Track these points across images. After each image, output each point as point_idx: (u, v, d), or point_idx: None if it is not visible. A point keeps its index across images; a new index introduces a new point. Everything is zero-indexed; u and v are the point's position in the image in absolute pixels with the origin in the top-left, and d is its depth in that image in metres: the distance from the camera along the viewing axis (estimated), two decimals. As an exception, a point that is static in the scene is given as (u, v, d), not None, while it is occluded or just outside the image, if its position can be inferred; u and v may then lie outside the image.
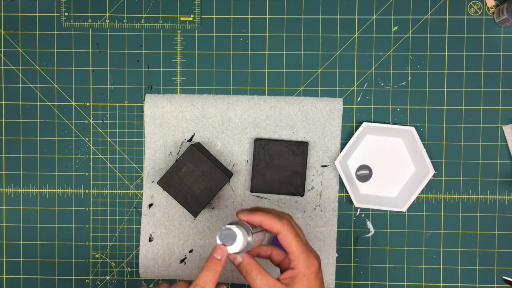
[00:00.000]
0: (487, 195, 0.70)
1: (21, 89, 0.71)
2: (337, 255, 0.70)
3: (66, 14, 0.70)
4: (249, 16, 0.70)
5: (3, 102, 0.71)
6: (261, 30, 0.70)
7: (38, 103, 0.71)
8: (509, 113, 0.70)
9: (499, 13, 0.67)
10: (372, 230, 0.70)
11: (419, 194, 0.70)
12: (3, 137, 0.71)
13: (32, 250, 0.72)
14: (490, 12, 0.69)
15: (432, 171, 0.67)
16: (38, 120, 0.71)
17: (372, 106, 0.70)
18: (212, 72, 0.70)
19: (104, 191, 0.71)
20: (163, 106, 0.70)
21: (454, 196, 0.70)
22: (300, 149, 0.68)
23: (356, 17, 0.70)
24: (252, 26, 0.70)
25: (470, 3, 0.69)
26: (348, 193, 0.70)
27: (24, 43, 0.71)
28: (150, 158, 0.70)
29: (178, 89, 0.71)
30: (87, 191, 0.71)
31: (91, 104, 0.71)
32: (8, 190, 0.71)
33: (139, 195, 0.71)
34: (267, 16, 0.70)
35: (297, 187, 0.68)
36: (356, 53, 0.70)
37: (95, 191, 0.71)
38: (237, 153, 0.70)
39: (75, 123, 0.71)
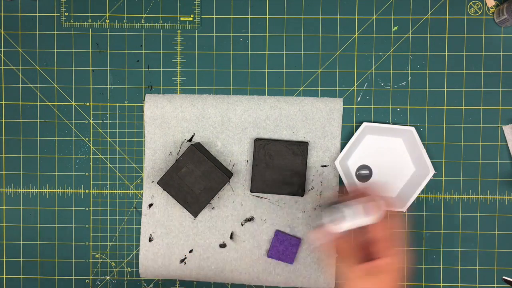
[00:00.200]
0: (487, 195, 0.70)
1: (21, 89, 0.71)
2: (337, 255, 0.70)
3: (66, 14, 0.70)
4: (249, 16, 0.70)
5: (3, 102, 0.71)
6: (261, 30, 0.70)
7: (38, 103, 0.71)
8: (509, 113, 0.70)
9: (499, 13, 0.67)
10: (372, 230, 0.70)
11: (419, 194, 0.70)
12: (3, 137, 0.71)
13: (32, 250, 0.72)
14: (490, 12, 0.69)
15: (432, 171, 0.67)
16: (38, 120, 0.71)
17: (372, 106, 0.70)
18: (212, 72, 0.70)
19: (104, 191, 0.71)
20: (163, 106, 0.70)
21: (454, 196, 0.70)
22: (300, 149, 0.68)
23: (356, 17, 0.70)
24: (252, 26, 0.70)
25: (470, 3, 0.69)
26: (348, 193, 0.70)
27: (24, 43, 0.71)
28: (150, 158, 0.70)
29: (178, 89, 0.71)
30: (87, 191, 0.71)
31: (91, 104, 0.71)
32: (8, 190, 0.71)
33: (139, 195, 0.71)
34: (267, 16, 0.70)
35: (297, 187, 0.68)
36: (356, 53, 0.70)
37: (95, 191, 0.71)
38: (237, 153, 0.70)
39: (75, 123, 0.71)
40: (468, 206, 0.70)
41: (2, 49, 0.71)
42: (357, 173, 0.70)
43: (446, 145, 0.70)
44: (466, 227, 0.70)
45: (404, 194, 0.69)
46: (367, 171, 0.70)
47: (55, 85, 0.71)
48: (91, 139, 0.71)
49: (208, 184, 0.66)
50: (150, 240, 0.71)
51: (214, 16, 0.70)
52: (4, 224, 0.72)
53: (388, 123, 0.70)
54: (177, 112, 0.70)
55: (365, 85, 0.70)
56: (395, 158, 0.70)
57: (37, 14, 0.71)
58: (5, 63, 0.71)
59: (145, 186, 0.70)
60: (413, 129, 0.67)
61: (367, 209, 0.51)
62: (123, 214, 0.71)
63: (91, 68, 0.71)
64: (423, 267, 0.70)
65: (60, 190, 0.71)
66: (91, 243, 0.71)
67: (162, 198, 0.70)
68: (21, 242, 0.72)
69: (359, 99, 0.70)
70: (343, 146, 0.70)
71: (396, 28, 0.70)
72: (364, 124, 0.68)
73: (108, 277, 0.72)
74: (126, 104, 0.71)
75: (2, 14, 0.71)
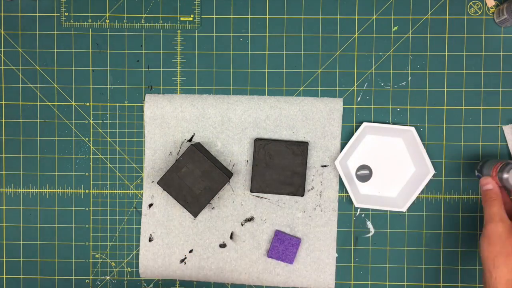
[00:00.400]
0: (487, 195, 0.70)
1: (21, 89, 0.71)
2: (337, 255, 0.70)
3: (66, 14, 0.70)
4: (249, 16, 0.70)
5: (3, 102, 0.71)
6: (261, 30, 0.70)
7: (38, 103, 0.71)
8: (509, 113, 0.70)
9: (499, 13, 0.67)
10: (372, 230, 0.70)
11: (419, 194, 0.70)
12: (3, 137, 0.71)
13: (32, 250, 0.72)
14: (490, 12, 0.69)
15: (432, 171, 0.67)
16: (38, 120, 0.71)
17: (372, 106, 0.70)
18: (212, 72, 0.70)
19: (104, 191, 0.71)
20: (163, 106, 0.70)
21: (454, 196, 0.70)
22: (300, 149, 0.68)
23: (356, 17, 0.70)
24: (252, 26, 0.70)
25: (470, 3, 0.69)
26: (348, 193, 0.70)
27: (24, 43, 0.71)
28: (150, 158, 0.70)
29: (178, 89, 0.71)
30: (87, 191, 0.71)
31: (91, 104, 0.71)
32: (8, 190, 0.71)
33: (139, 195, 0.71)
34: (267, 16, 0.70)
35: (297, 187, 0.68)
36: (356, 53, 0.70)
37: (95, 191, 0.71)
38: (237, 153, 0.70)
39: (75, 123, 0.71)
40: (467, 206, 0.70)
41: (2, 49, 0.71)
42: (357, 173, 0.70)
43: (446, 145, 0.70)
44: (466, 227, 0.70)
45: (404, 194, 0.69)
46: (367, 171, 0.70)
47: (55, 85, 0.71)
48: (91, 139, 0.71)
49: (208, 184, 0.66)
50: (150, 240, 0.71)
51: (214, 16, 0.70)
52: (4, 224, 0.72)
53: (388, 123, 0.70)
54: (177, 112, 0.70)
55: (365, 85, 0.70)
56: (395, 158, 0.70)
57: (37, 14, 0.71)
58: (5, 63, 0.71)
59: (145, 186, 0.71)
60: (413, 129, 0.67)
61: None
62: (123, 214, 0.71)
63: (91, 68, 0.71)
64: (423, 267, 0.70)
65: (60, 190, 0.71)
66: (91, 243, 0.71)
67: (162, 198, 0.70)
68: (21, 242, 0.72)
69: (359, 99, 0.70)
70: (343, 146, 0.70)
71: (396, 28, 0.70)
72: (364, 124, 0.68)
73: (108, 277, 0.72)
74: (126, 104, 0.71)
75: (2, 14, 0.71)
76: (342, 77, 0.70)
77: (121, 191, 0.71)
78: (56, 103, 0.71)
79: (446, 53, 0.70)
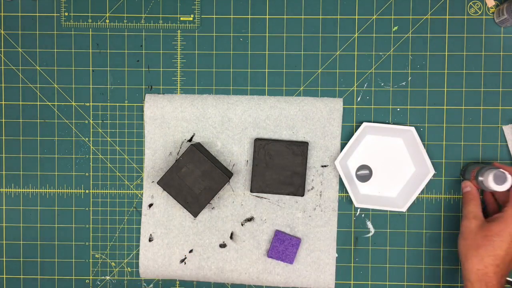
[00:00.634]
0: (487, 195, 0.70)
1: (21, 89, 0.71)
2: (337, 255, 0.70)
3: (66, 14, 0.70)
4: (249, 16, 0.70)
5: (3, 102, 0.71)
6: (261, 30, 0.70)
7: (38, 103, 0.71)
8: (509, 113, 0.70)
9: (499, 13, 0.67)
10: (372, 230, 0.70)
11: (419, 194, 0.70)
12: (3, 137, 0.71)
13: (32, 250, 0.72)
14: (490, 12, 0.69)
15: (432, 171, 0.67)
16: (38, 120, 0.71)
17: (372, 106, 0.70)
18: (212, 72, 0.70)
19: (104, 191, 0.71)
20: (163, 106, 0.70)
21: (454, 196, 0.70)
22: (300, 149, 0.68)
23: (356, 17, 0.70)
24: (252, 26, 0.70)
25: (470, 3, 0.69)
26: (348, 193, 0.70)
27: (24, 43, 0.71)
28: (150, 158, 0.70)
29: (178, 89, 0.71)
30: (87, 191, 0.71)
31: (91, 104, 0.71)
32: (8, 190, 0.71)
33: (139, 195, 0.71)
34: (267, 16, 0.70)
35: (297, 187, 0.68)
36: (356, 53, 0.70)
37: (95, 191, 0.71)
38: (237, 153, 0.70)
39: (75, 123, 0.71)
40: (468, 206, 0.70)
41: (2, 49, 0.71)
42: (357, 173, 0.70)
43: (446, 145, 0.70)
44: (466, 227, 0.70)
45: (404, 194, 0.69)
46: (367, 171, 0.70)
47: (55, 85, 0.71)
48: (91, 139, 0.71)
49: (208, 184, 0.66)
50: (150, 240, 0.71)
51: (214, 16, 0.70)
52: (4, 224, 0.72)
53: (388, 123, 0.70)
54: (177, 112, 0.70)
55: (365, 85, 0.70)
56: (395, 158, 0.70)
57: (37, 14, 0.71)
58: (5, 63, 0.71)
59: (145, 186, 0.71)
60: (413, 129, 0.67)
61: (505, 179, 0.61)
62: (123, 214, 0.71)
63: (91, 68, 0.71)
64: (423, 267, 0.70)
65: (60, 190, 0.71)
66: (91, 243, 0.71)
67: (162, 198, 0.70)
68: (21, 242, 0.72)
69: (359, 99, 0.70)
70: (343, 146, 0.70)
71: (396, 28, 0.70)
72: (364, 124, 0.68)
73: (108, 277, 0.72)
74: (126, 104, 0.71)
75: (2, 14, 0.71)
76: (342, 77, 0.70)
77: (121, 191, 0.71)
78: (56, 103, 0.71)
79: (446, 53, 0.70)
